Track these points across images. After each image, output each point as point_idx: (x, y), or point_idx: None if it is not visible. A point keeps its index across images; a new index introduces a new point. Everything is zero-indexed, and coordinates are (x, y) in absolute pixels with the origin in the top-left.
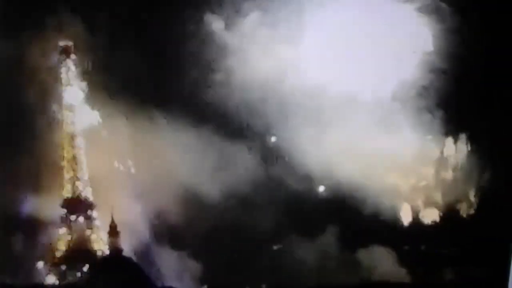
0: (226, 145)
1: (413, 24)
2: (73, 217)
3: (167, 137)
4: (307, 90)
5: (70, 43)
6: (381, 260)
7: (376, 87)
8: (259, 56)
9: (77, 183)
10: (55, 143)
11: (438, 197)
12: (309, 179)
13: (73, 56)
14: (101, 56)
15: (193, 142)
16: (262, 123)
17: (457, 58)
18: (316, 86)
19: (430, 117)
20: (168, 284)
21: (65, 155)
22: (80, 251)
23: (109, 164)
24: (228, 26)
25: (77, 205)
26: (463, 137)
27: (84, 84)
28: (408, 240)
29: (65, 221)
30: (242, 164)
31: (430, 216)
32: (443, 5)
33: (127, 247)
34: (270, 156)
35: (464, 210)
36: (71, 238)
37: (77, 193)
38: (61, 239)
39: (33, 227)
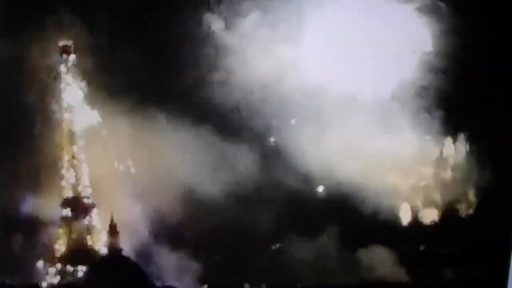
0: (226, 145)
1: (413, 24)
2: (72, 217)
3: (167, 137)
4: (307, 90)
5: (70, 43)
6: (381, 260)
7: (376, 87)
8: (259, 56)
9: (77, 183)
10: (55, 143)
11: (438, 197)
12: (309, 179)
13: (73, 56)
14: (101, 56)
15: (193, 142)
16: (262, 123)
17: (457, 58)
18: (316, 86)
19: (429, 117)
20: (168, 284)
21: (65, 155)
22: (80, 251)
23: (109, 164)
24: (228, 26)
25: (76, 205)
26: (462, 137)
27: (83, 84)
28: (408, 240)
29: (64, 221)
30: (242, 164)
31: (430, 216)
32: (443, 5)
33: (127, 247)
34: (270, 156)
35: (464, 210)
36: (71, 238)
37: (76, 193)
38: (61, 239)
39: (33, 227)
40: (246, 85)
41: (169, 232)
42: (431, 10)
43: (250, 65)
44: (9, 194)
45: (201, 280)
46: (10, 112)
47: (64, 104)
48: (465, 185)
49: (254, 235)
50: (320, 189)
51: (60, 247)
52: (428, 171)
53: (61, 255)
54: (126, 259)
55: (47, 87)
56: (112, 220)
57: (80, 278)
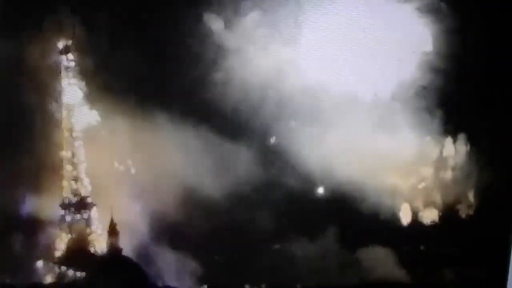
0: (226, 145)
1: (413, 24)
2: (72, 217)
3: (167, 137)
4: (307, 90)
5: (69, 43)
6: (381, 260)
7: (376, 87)
8: (259, 56)
9: (77, 183)
10: (55, 142)
11: (438, 197)
12: (309, 179)
13: (72, 55)
14: (101, 56)
15: (193, 142)
16: (262, 123)
17: (457, 58)
18: (316, 86)
19: (429, 117)
20: (168, 284)
21: (65, 154)
22: (79, 251)
23: (109, 164)
24: (227, 26)
25: (76, 205)
26: (462, 137)
27: (83, 84)
28: (408, 240)
29: (64, 221)
30: (242, 164)
31: (430, 216)
32: (443, 5)
33: (127, 246)
34: (270, 156)
35: (464, 210)
36: (71, 238)
37: (76, 193)
38: (61, 239)
39: (33, 227)
40: (246, 85)
41: (169, 232)
42: (431, 10)
43: (250, 65)
44: (9, 194)
45: (201, 280)
46: (10, 112)
47: (64, 104)
48: (465, 186)
49: (254, 235)
50: (320, 189)
51: (60, 247)
52: (428, 171)
53: (61, 255)
54: (126, 259)
55: (47, 87)
56: (112, 220)
57: (80, 278)
